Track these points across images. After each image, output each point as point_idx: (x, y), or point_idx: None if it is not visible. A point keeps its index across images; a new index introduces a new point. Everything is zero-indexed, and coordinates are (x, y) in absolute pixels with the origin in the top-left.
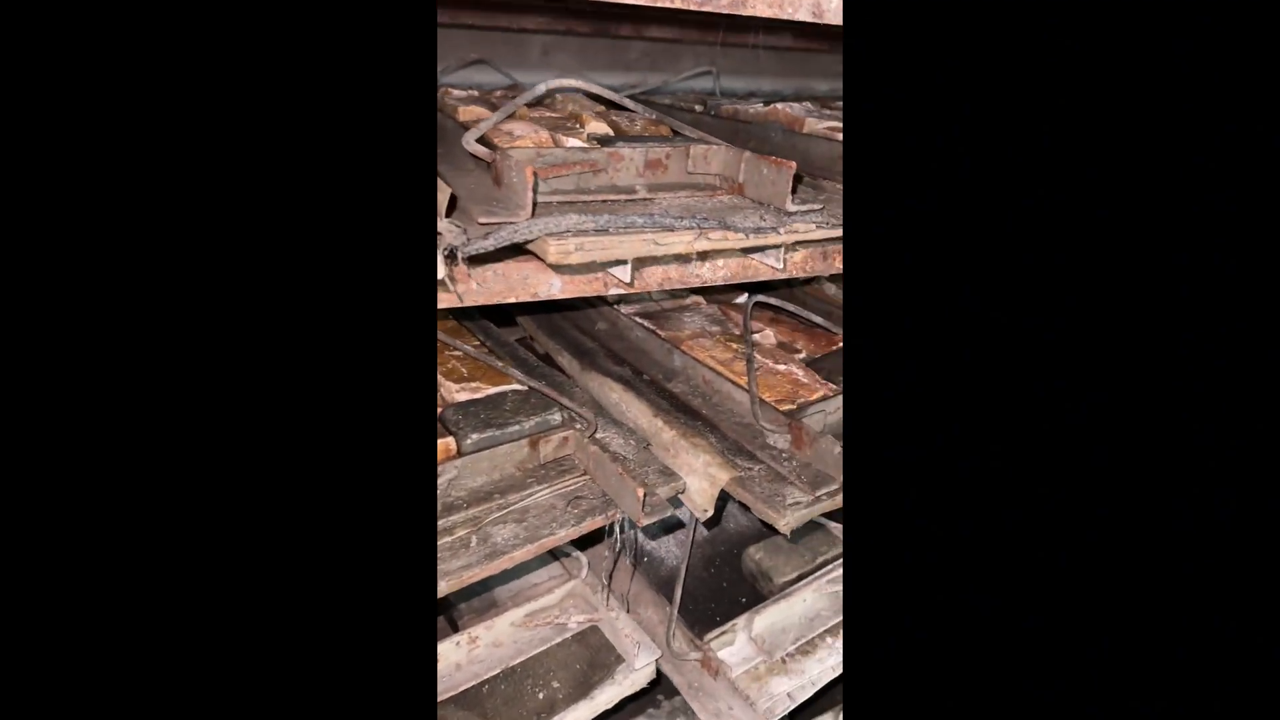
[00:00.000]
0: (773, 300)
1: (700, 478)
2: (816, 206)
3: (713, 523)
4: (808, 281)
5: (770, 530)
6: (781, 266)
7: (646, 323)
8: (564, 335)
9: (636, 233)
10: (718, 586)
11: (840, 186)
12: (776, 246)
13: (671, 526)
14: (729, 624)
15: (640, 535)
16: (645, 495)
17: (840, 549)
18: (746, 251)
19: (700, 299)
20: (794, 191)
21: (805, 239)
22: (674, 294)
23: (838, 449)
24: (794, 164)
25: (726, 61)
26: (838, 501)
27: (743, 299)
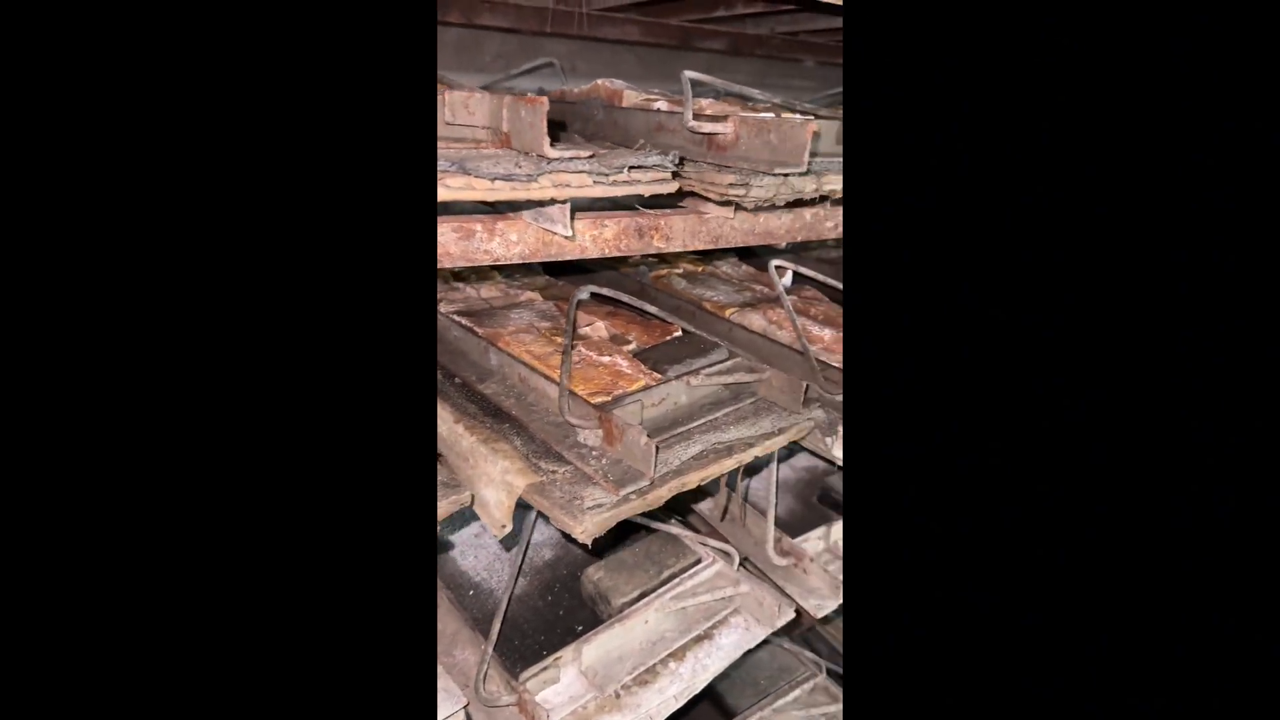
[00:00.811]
0: (605, 291)
1: (497, 488)
2: (584, 154)
3: (513, 541)
4: (659, 276)
5: (616, 546)
6: (570, 235)
7: (464, 320)
8: None
9: None
10: (554, 616)
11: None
12: (543, 203)
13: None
14: (551, 658)
15: (469, 563)
16: None
17: (689, 559)
18: (507, 209)
19: (536, 295)
20: (557, 139)
21: (581, 194)
22: (507, 290)
23: (644, 439)
24: (545, 100)
25: (586, 65)
26: (649, 501)
27: (584, 294)
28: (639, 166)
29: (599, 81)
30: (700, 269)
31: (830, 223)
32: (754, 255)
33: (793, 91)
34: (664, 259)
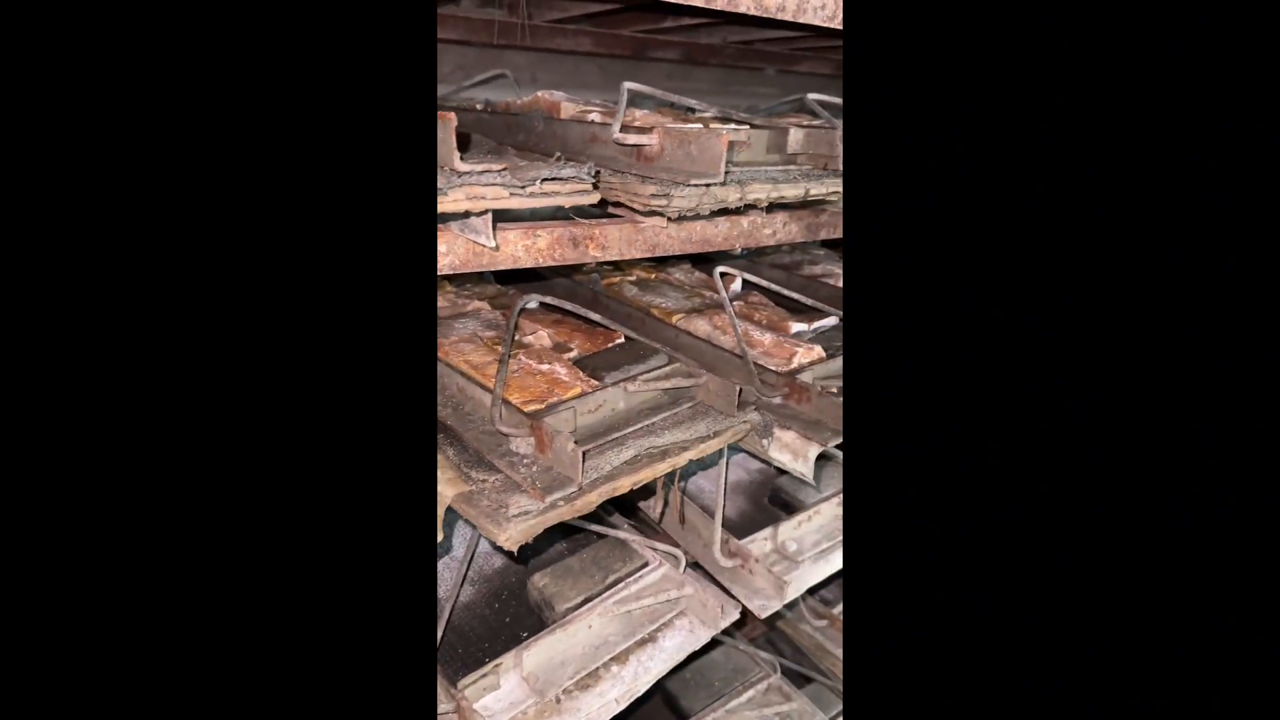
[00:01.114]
0: (549, 299)
1: None
2: (496, 167)
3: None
4: (611, 284)
5: (568, 552)
6: (494, 245)
7: None
8: None
9: None
10: (500, 624)
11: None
12: (461, 215)
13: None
14: (491, 664)
15: None
16: None
17: (636, 563)
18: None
19: (484, 304)
20: (466, 151)
21: (498, 205)
22: (455, 300)
23: (571, 446)
24: (453, 115)
25: (547, 76)
26: (578, 507)
27: (533, 303)
28: (554, 178)
29: (539, 94)
30: (653, 276)
31: (768, 230)
32: (709, 261)
33: (756, 99)
34: (618, 266)
